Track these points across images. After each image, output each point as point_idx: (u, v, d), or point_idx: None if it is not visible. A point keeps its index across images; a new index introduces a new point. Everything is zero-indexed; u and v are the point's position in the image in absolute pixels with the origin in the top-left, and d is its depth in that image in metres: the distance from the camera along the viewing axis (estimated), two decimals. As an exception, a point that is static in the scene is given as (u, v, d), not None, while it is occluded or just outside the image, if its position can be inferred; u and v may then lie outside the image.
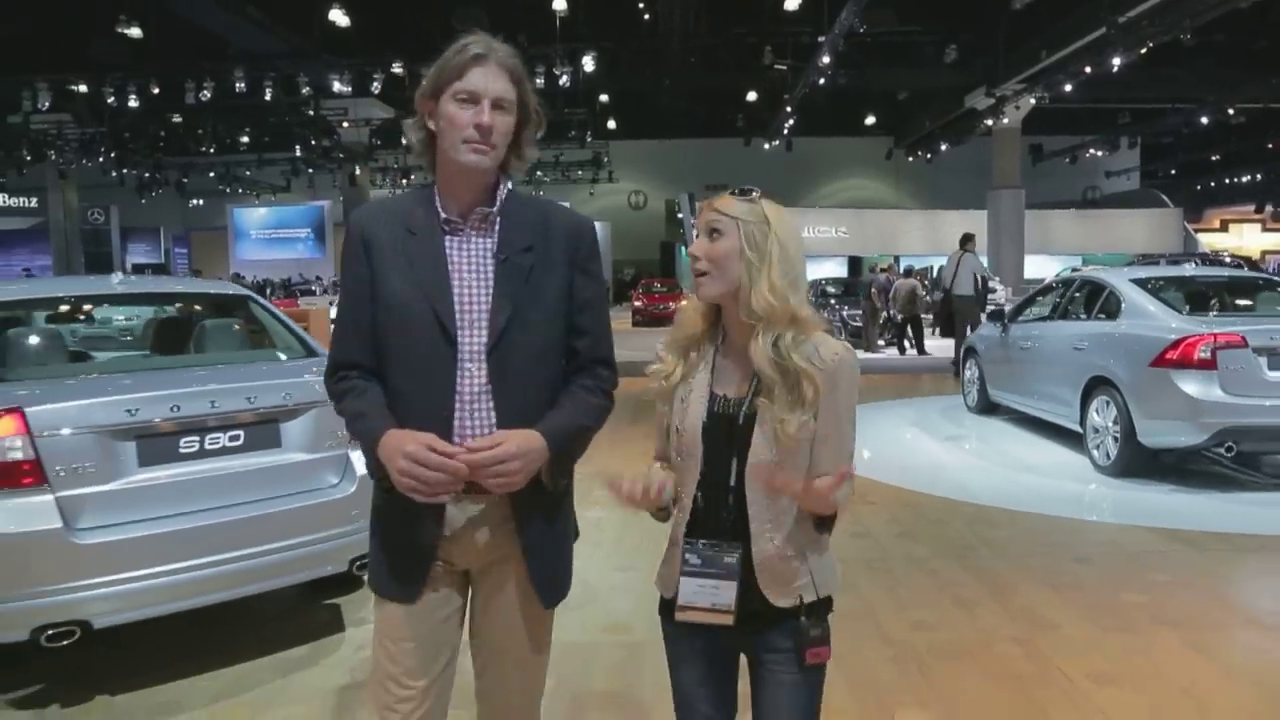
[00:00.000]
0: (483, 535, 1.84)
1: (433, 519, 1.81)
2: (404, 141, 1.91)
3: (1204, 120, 23.84)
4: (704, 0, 20.70)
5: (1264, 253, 32.93)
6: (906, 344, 16.10)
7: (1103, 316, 6.87)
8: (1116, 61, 18.24)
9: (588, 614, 4.14)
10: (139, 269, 25.60)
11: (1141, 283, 6.83)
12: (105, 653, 3.64)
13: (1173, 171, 34.03)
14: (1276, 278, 8.61)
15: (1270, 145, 26.60)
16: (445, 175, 1.82)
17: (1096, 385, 6.53)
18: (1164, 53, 18.52)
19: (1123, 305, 6.64)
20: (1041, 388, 7.51)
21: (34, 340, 4.00)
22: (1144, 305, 6.48)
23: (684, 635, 1.81)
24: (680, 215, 32.85)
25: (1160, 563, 4.82)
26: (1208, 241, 34.38)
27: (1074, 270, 17.07)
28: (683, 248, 33.99)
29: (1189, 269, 10.42)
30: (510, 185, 1.86)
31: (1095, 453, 6.62)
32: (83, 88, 20.07)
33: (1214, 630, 3.96)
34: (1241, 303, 7.11)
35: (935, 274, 22.41)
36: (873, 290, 16.62)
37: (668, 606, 1.83)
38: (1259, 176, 30.29)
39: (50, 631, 3.08)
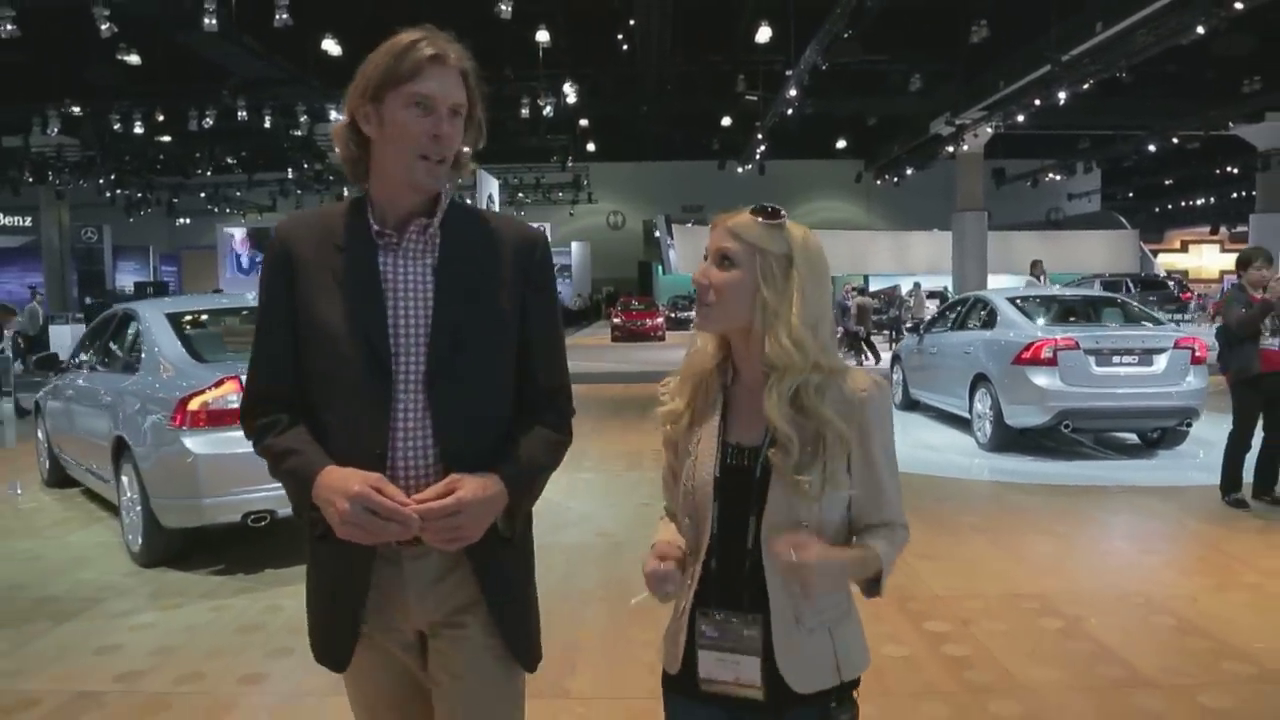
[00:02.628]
0: (427, 590, 1.65)
1: (362, 573, 1.63)
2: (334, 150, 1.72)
3: (1151, 147, 26.01)
4: (680, 30, 22.47)
5: (1222, 272, 35.20)
6: (865, 354, 18.07)
7: (985, 327, 8.81)
8: (1062, 95, 20.35)
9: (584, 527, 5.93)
10: (141, 287, 27.12)
11: (1013, 300, 8.80)
12: (273, 540, 5.40)
13: (1130, 194, 36.36)
14: (1119, 296, 10.61)
15: (1217, 171, 28.79)
16: (384, 185, 1.64)
17: (978, 381, 8.46)
18: (1119, 82, 20.60)
19: (998, 317, 8.60)
20: (943, 385, 9.45)
21: (212, 336, 5.83)
22: (1012, 317, 8.45)
23: (698, 704, 1.60)
24: (657, 235, 34.81)
25: (997, 502, 6.80)
26: (1167, 262, 36.71)
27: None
28: (659, 266, 35.90)
29: (1065, 291, 12.50)
30: (451, 195, 1.70)
31: (978, 434, 8.55)
32: (76, 110, 21.65)
33: (1010, 534, 5.90)
34: (1088, 316, 9.06)
35: (904, 293, 24.62)
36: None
37: (672, 681, 1.64)
38: (1212, 199, 32.58)
39: (253, 516, 4.94)
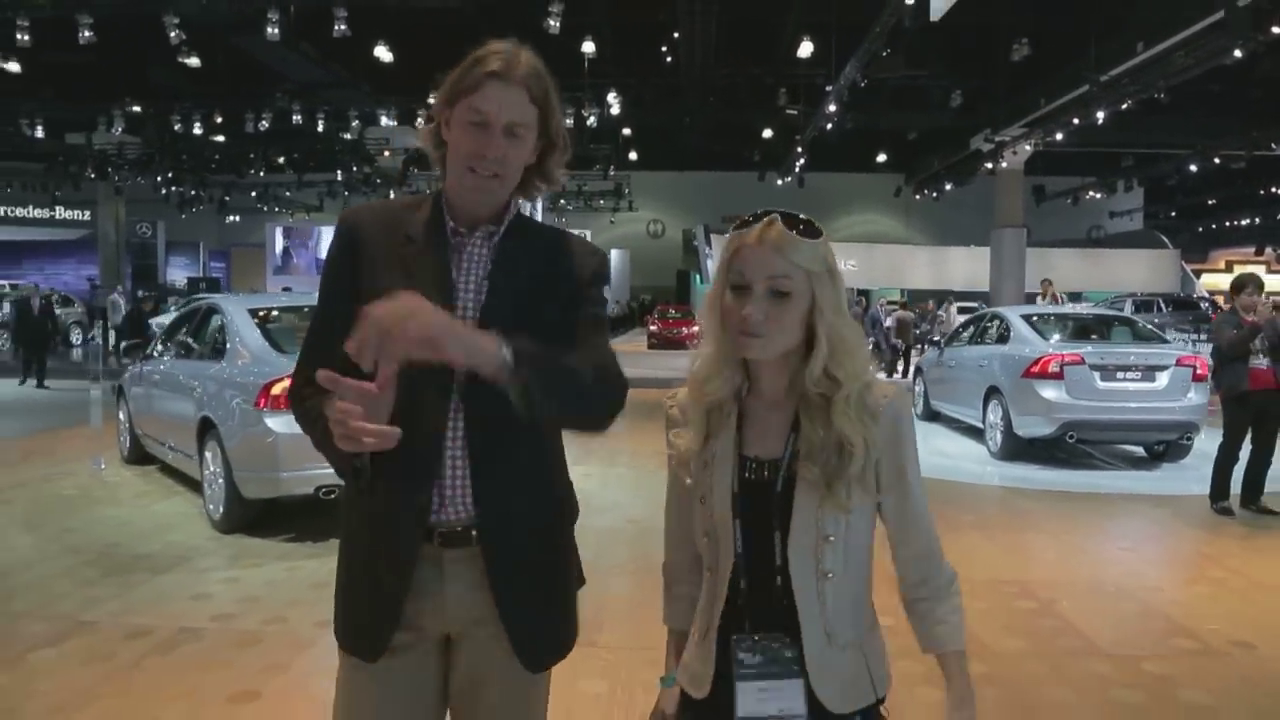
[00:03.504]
0: (465, 593, 1.65)
1: (409, 560, 1.63)
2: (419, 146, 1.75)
3: (1193, 167, 26.19)
4: (722, 42, 23.12)
5: (1269, 294, 35.07)
6: (899, 366, 18.60)
7: (999, 342, 9.36)
8: (1100, 115, 20.70)
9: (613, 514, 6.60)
10: (194, 282, 28.33)
11: (1027, 317, 9.34)
12: (338, 512, 6.12)
13: (1173, 213, 36.39)
14: (1126, 315, 11.09)
15: (1261, 191, 28.87)
16: (452, 189, 1.68)
17: (991, 393, 9.02)
18: (1162, 101, 20.92)
19: (1011, 333, 9.14)
20: (960, 396, 10.01)
21: (287, 329, 6.57)
22: (1024, 333, 9.00)
23: None
24: (696, 244, 35.42)
25: (999, 504, 7.38)
26: (1211, 282, 36.59)
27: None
28: (697, 276, 36.52)
29: (1078, 309, 13.01)
30: (521, 208, 1.74)
31: (990, 443, 9.12)
32: (137, 110, 22.76)
33: (1005, 531, 6.48)
34: (1098, 334, 9.57)
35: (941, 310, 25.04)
36: (863, 321, 19.21)
37: (691, 705, 1.60)
38: (1257, 220, 32.57)
39: (324, 489, 5.58)
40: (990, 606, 4.87)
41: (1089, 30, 19.71)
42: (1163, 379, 8.33)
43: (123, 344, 8.62)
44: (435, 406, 1.62)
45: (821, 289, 1.47)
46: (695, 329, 26.60)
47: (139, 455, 8.16)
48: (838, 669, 1.51)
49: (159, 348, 7.90)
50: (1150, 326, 10.00)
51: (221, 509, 6.08)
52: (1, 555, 5.65)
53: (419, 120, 21.95)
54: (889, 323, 19.18)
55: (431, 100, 1.71)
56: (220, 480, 6.07)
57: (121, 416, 8.46)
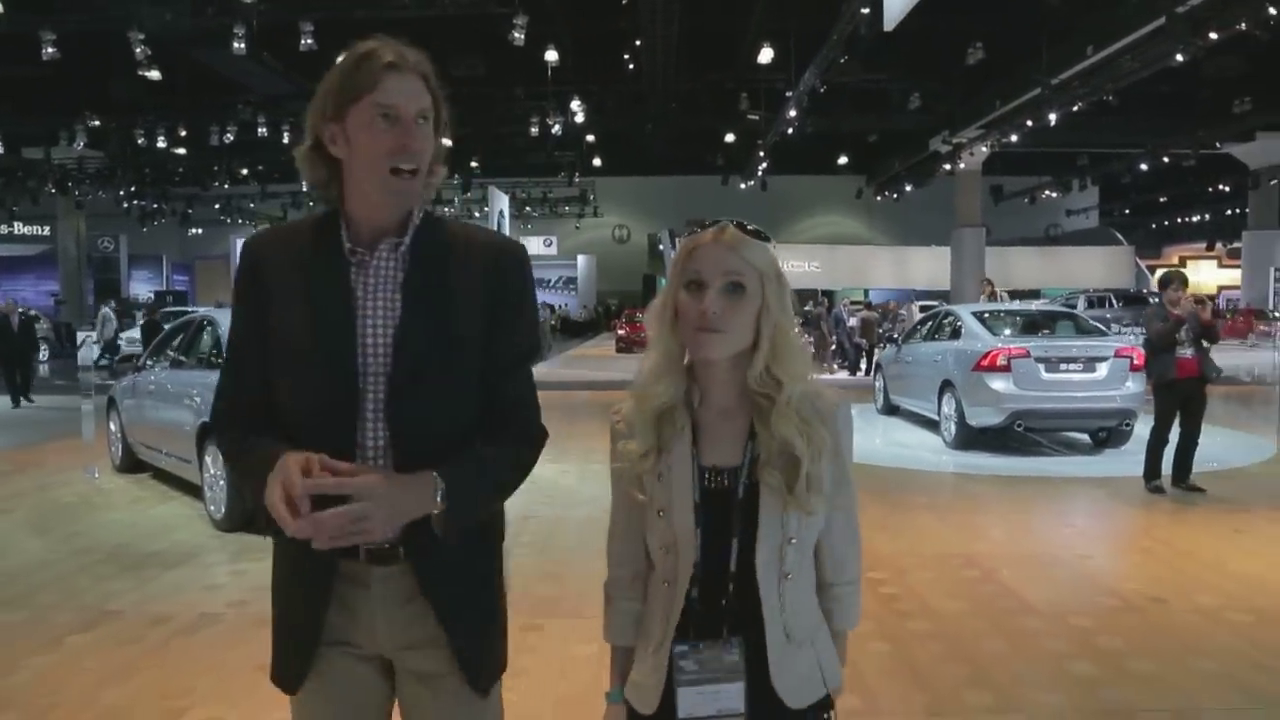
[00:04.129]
0: (395, 613, 1.62)
1: (319, 586, 1.59)
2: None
3: (1143, 166, 27.20)
4: (683, 49, 23.66)
5: (1220, 287, 36.36)
6: (863, 365, 19.25)
7: (952, 337, 10.00)
8: (1053, 117, 21.52)
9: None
10: (160, 296, 28.44)
11: (978, 314, 10.00)
12: None
13: (1127, 211, 37.57)
14: (1069, 311, 11.80)
15: (1210, 189, 29.99)
16: (358, 204, 1.60)
17: (945, 386, 9.64)
18: (1112, 102, 21.73)
19: (962, 329, 9.78)
20: (916, 390, 10.65)
21: None
22: (974, 329, 9.64)
23: None
24: (662, 248, 36.04)
25: (952, 489, 8.08)
26: (1166, 277, 37.86)
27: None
28: (663, 280, 37.08)
29: (1026, 306, 13.76)
30: (423, 210, 1.67)
31: (945, 434, 9.77)
32: (96, 123, 22.84)
33: (955, 512, 7.15)
34: (1044, 328, 10.24)
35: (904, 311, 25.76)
36: (821, 322, 19.89)
37: None
38: (1207, 216, 33.77)
39: None
40: (937, 576, 5.45)
41: (1040, 35, 20.48)
42: (1102, 369, 9.00)
43: (118, 357, 8.96)
44: (347, 426, 1.58)
45: (770, 290, 1.53)
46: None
47: (131, 464, 8.54)
48: (796, 666, 1.56)
49: (148, 360, 8.30)
50: (1091, 321, 10.71)
51: (223, 509, 6.50)
52: (17, 557, 6.06)
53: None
54: (853, 322, 19.86)
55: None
56: (221, 482, 6.50)
57: (113, 427, 8.83)
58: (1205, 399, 7.47)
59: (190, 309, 7.62)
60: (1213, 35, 16.44)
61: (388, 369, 1.59)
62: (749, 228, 1.57)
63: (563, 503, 7.41)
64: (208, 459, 6.68)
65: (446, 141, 1.68)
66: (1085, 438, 9.90)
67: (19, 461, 9.59)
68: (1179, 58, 17.48)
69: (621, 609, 1.70)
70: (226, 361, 1.76)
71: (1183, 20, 16.69)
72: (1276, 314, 26.92)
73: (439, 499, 1.52)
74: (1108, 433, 9.47)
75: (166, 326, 10.53)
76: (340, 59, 1.60)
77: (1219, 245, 36.22)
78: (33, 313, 21.35)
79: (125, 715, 3.76)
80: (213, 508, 6.68)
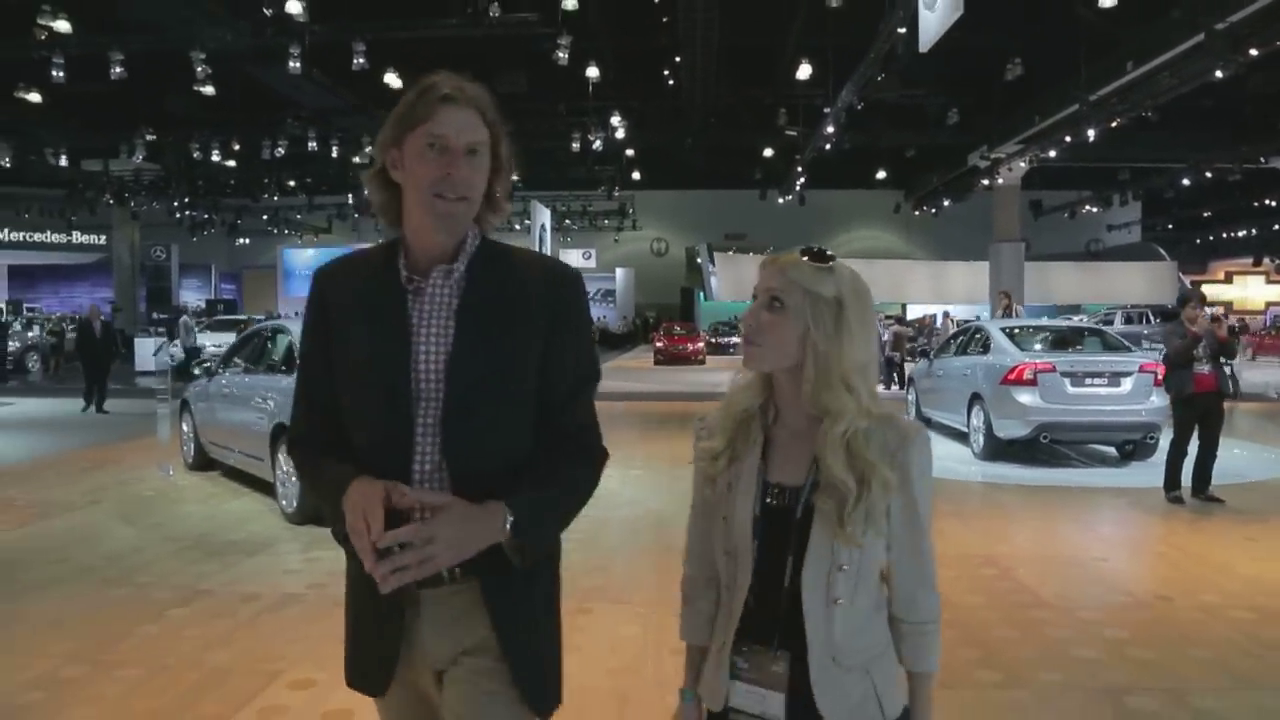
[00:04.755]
0: (444, 631, 1.70)
1: (391, 603, 1.65)
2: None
3: (1185, 181, 27.27)
4: (723, 65, 24.18)
5: (1268, 304, 36.18)
6: (895, 379, 19.63)
7: (982, 352, 10.41)
8: (1091, 133, 21.76)
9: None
10: (212, 304, 29.50)
11: (1006, 330, 10.40)
12: None
13: (1170, 226, 37.49)
14: (1097, 327, 12.15)
15: (1255, 204, 29.95)
16: (413, 229, 1.71)
17: (974, 399, 10.06)
18: (1156, 116, 21.89)
19: (991, 344, 10.20)
20: (947, 403, 11.06)
21: None
22: (1003, 344, 10.04)
23: None
24: (699, 262, 36.54)
25: (977, 496, 8.46)
26: (1211, 293, 37.68)
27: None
28: (700, 293, 37.63)
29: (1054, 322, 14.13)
30: (481, 236, 1.75)
31: (974, 445, 10.17)
32: (151, 137, 23.78)
33: (979, 518, 7.53)
34: (1071, 344, 10.63)
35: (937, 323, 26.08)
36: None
37: (712, 719, 1.70)
38: (1254, 231, 33.66)
39: None
40: (958, 574, 5.89)
41: (1079, 50, 20.73)
42: (1127, 384, 9.38)
43: (195, 362, 9.69)
44: (403, 449, 1.67)
45: (822, 314, 1.56)
46: (700, 345, 27.76)
47: (202, 462, 9.21)
48: (843, 690, 1.58)
49: (220, 366, 8.97)
50: (1117, 336, 11.07)
51: (295, 504, 7.10)
52: (113, 543, 6.70)
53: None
54: (886, 336, 20.21)
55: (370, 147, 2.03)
56: (293, 479, 7.10)
57: (185, 428, 9.51)
58: (1223, 413, 7.85)
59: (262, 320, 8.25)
60: (1253, 52, 16.63)
61: (441, 393, 1.66)
62: (817, 251, 1.62)
63: (605, 505, 7.88)
64: (280, 457, 7.29)
65: (514, 177, 1.78)
66: (1112, 450, 10.26)
67: (96, 459, 10.30)
68: (1219, 74, 17.66)
69: (696, 608, 1.78)
70: (298, 386, 1.85)
71: (1222, 37, 16.88)
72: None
73: (507, 528, 1.59)
74: (1133, 446, 9.82)
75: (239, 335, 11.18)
76: (412, 89, 1.69)
77: (1266, 260, 36.02)
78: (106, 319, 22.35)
79: (227, 675, 4.32)
80: (284, 502, 7.28)
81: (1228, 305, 38.09)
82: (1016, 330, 10.73)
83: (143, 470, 9.49)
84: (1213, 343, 7.62)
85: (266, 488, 7.82)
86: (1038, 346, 10.35)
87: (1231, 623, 5.02)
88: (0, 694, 4.06)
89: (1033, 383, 9.28)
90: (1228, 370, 7.96)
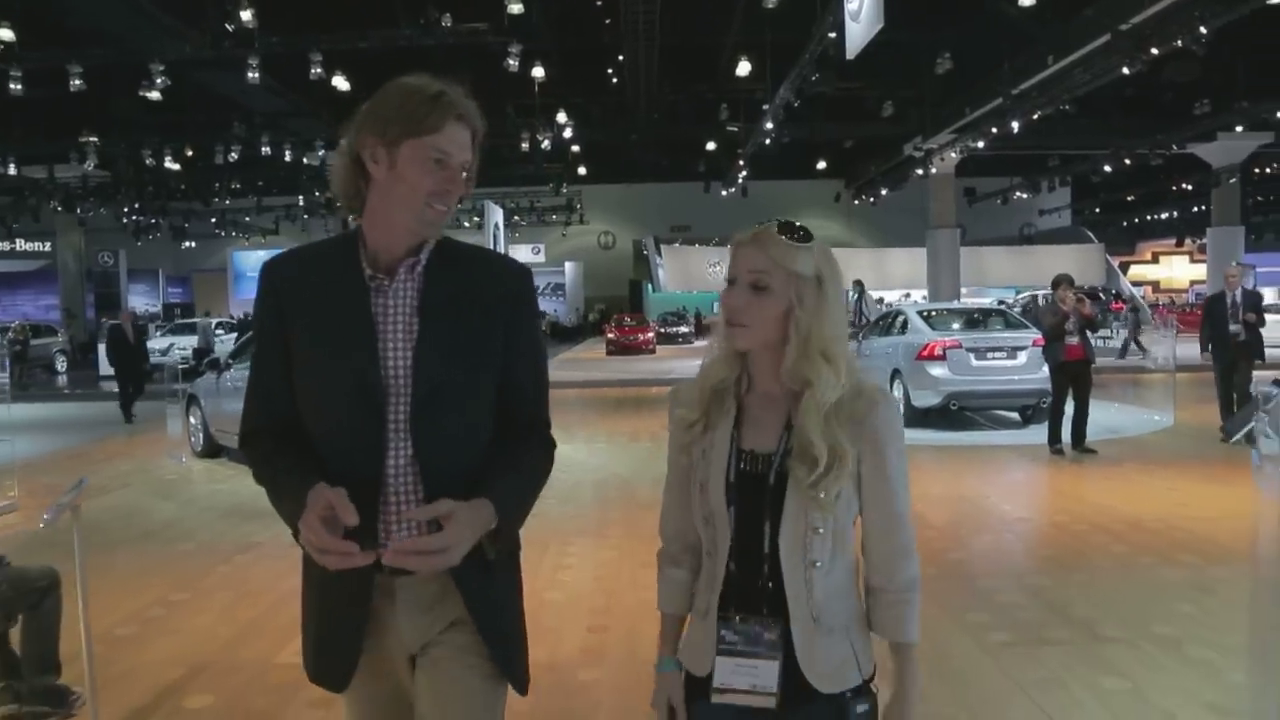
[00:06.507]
0: (419, 616, 1.78)
1: (363, 596, 1.74)
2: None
3: (1107, 168, 29.44)
4: (665, 63, 25.56)
5: (1191, 282, 38.73)
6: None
7: (900, 332, 12.15)
8: (1015, 124, 23.60)
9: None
10: (169, 309, 30.41)
11: (921, 312, 12.14)
12: None
13: (1098, 210, 39.94)
14: (1000, 308, 14.02)
15: (1174, 188, 32.30)
16: (382, 226, 1.75)
17: (895, 374, 11.76)
18: (1082, 105, 23.66)
19: (908, 325, 11.93)
20: (873, 378, 12.73)
21: None
22: (918, 324, 11.78)
23: (716, 715, 1.71)
24: (646, 254, 38.14)
25: None
26: (1139, 273, 40.28)
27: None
28: (649, 285, 39.23)
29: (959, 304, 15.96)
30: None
31: (896, 414, 11.87)
32: (95, 140, 24.30)
33: None
34: (976, 322, 12.41)
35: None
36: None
37: (696, 684, 1.75)
38: (1176, 214, 36.14)
39: None
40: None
41: (1004, 47, 22.46)
42: (1022, 357, 11.15)
43: (205, 360, 11.10)
44: (374, 445, 1.72)
45: (804, 292, 1.63)
46: (650, 335, 29.45)
47: (210, 449, 10.58)
48: (825, 652, 1.66)
49: (230, 360, 10.37)
50: (1017, 316, 12.91)
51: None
52: (160, 514, 8.09)
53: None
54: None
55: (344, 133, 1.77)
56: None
57: (194, 420, 10.86)
58: (1091, 377, 9.61)
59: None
60: (1154, 51, 18.48)
61: (409, 389, 1.72)
62: (794, 229, 1.69)
63: (578, 470, 9.43)
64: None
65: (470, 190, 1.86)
66: (1015, 416, 12.05)
67: (108, 452, 11.59)
68: (1125, 70, 19.49)
69: (671, 577, 1.86)
70: (250, 384, 1.87)
71: (1127, 36, 18.71)
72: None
73: (493, 525, 1.69)
74: (1031, 410, 11.60)
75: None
76: (402, 88, 1.72)
77: (1190, 242, 38.59)
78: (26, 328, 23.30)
79: (296, 595, 5.77)
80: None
81: (1154, 284, 40.85)
82: (931, 313, 12.49)
83: (156, 459, 10.84)
84: (1078, 319, 9.36)
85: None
86: (947, 326, 12.09)
87: (1071, 533, 6.74)
88: (101, 628, 5.06)
89: (942, 358, 11.01)
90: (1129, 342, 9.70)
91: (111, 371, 15.78)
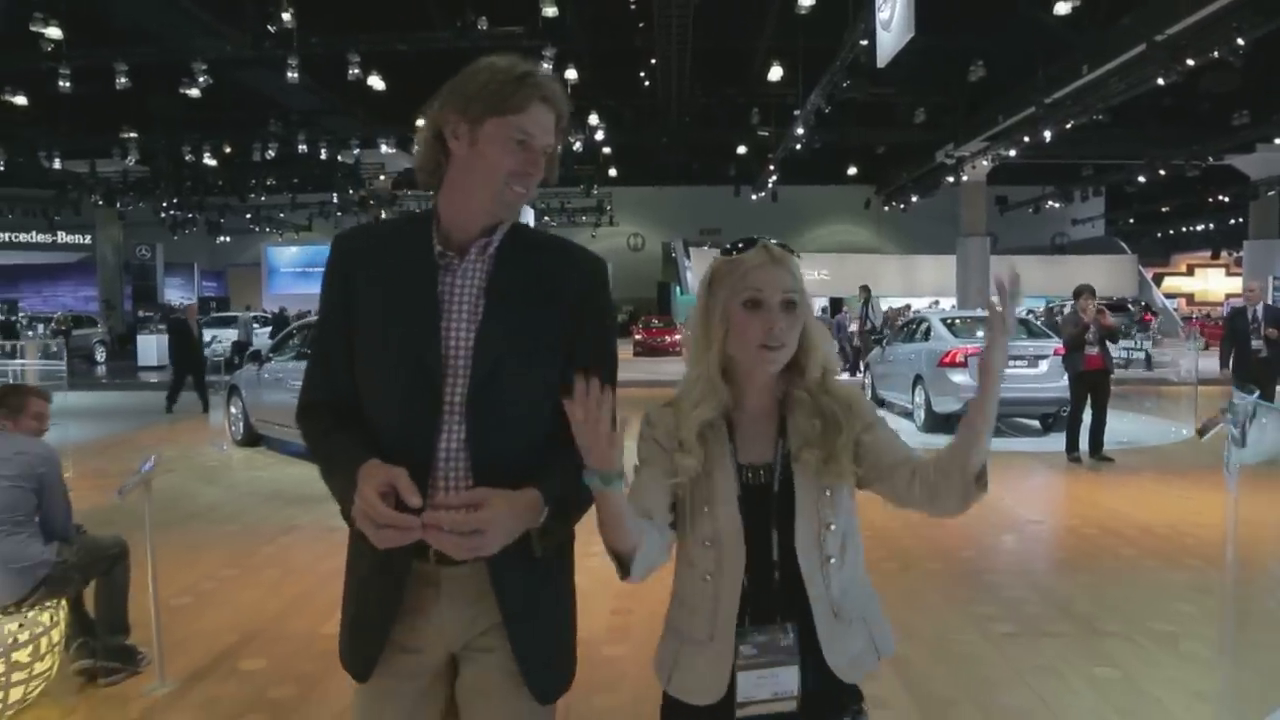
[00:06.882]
0: (462, 611, 1.75)
1: (395, 587, 1.72)
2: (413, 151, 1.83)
3: (1141, 179, 29.42)
4: (697, 66, 25.78)
5: (1227, 295, 38.46)
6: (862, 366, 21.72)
7: (924, 339, 12.40)
8: (1048, 134, 23.68)
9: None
10: (204, 302, 31.16)
11: (945, 320, 12.39)
12: None
13: (1132, 220, 39.76)
14: (1023, 316, 14.21)
15: (1210, 200, 32.19)
16: (459, 204, 1.75)
17: (917, 380, 12.02)
18: (1117, 114, 23.65)
19: (931, 332, 12.18)
20: (896, 384, 13.06)
21: None
22: (941, 332, 12.03)
23: None
24: (675, 256, 38.45)
25: None
26: (1173, 285, 40.10)
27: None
28: (677, 287, 39.53)
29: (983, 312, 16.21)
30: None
31: (916, 420, 12.13)
32: (133, 136, 24.90)
33: None
34: (1000, 329, 12.62)
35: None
36: (831, 327, 22.39)
37: (704, 712, 1.77)
38: (1212, 225, 35.97)
39: None
40: (890, 515, 7.81)
41: (1038, 54, 22.56)
42: (1044, 365, 11.38)
43: (247, 353, 11.60)
44: (428, 425, 1.71)
45: (809, 303, 1.77)
46: (677, 337, 29.91)
47: (250, 438, 11.03)
48: (847, 643, 1.76)
49: (270, 354, 10.81)
50: (1039, 324, 13.11)
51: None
52: (205, 498, 8.52)
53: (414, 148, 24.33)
54: (853, 328, 22.35)
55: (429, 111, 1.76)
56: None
57: (234, 410, 11.31)
58: (1109, 387, 9.84)
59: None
60: (1190, 61, 18.54)
61: (468, 370, 1.71)
62: (784, 244, 1.78)
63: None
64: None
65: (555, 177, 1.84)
66: (1035, 423, 12.27)
67: (153, 439, 12.07)
68: (1160, 80, 19.53)
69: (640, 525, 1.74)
70: (313, 355, 1.90)
71: (1163, 47, 18.78)
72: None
73: (542, 519, 1.67)
74: (1051, 418, 11.81)
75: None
76: (491, 65, 1.72)
77: (1225, 254, 38.37)
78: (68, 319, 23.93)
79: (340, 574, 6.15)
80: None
81: (1189, 297, 40.65)
82: (955, 320, 12.74)
83: (198, 448, 11.30)
84: (1098, 329, 9.59)
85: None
86: (969, 334, 12.32)
87: (1081, 535, 7.01)
88: (159, 598, 5.74)
89: (964, 365, 11.25)
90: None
91: (154, 362, 16.25)
